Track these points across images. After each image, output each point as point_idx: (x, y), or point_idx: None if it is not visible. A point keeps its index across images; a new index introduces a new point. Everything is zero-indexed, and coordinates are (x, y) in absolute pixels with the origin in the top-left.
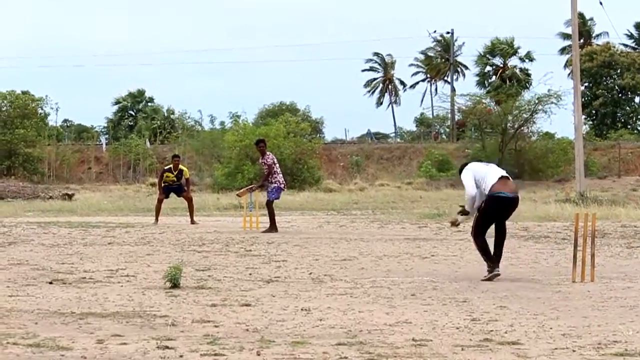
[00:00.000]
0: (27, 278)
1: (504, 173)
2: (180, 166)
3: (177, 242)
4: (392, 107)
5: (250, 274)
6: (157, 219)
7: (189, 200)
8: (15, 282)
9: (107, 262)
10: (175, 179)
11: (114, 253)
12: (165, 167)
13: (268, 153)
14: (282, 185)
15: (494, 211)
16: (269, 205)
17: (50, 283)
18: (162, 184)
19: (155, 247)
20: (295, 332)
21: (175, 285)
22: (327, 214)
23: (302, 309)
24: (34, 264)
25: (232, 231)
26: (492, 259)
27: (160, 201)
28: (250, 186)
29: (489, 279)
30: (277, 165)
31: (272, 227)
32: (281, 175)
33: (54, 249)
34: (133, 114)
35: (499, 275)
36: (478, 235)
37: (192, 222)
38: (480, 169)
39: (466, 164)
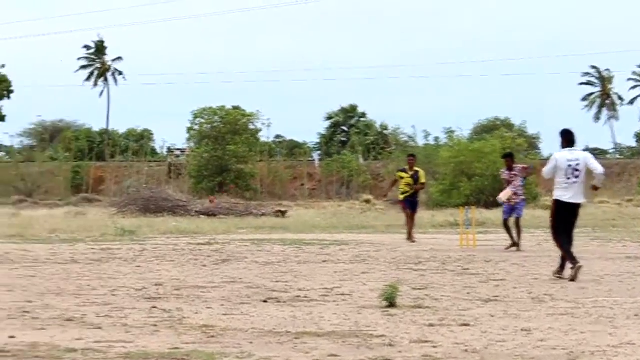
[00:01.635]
0: (241, 296)
1: None
2: (416, 167)
3: (393, 260)
4: (611, 122)
5: (468, 293)
6: (409, 236)
7: (412, 217)
8: (229, 300)
9: (322, 280)
10: (411, 180)
11: (329, 271)
12: (400, 168)
13: (520, 166)
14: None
15: None
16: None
17: (265, 301)
18: (401, 195)
19: (371, 265)
20: (515, 353)
21: (391, 304)
22: (545, 232)
23: (522, 330)
24: (248, 282)
25: (448, 249)
26: None
27: (408, 216)
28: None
29: None
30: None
31: (514, 243)
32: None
33: (267, 266)
34: (346, 129)
35: None
36: None
37: (410, 238)
38: None
39: None
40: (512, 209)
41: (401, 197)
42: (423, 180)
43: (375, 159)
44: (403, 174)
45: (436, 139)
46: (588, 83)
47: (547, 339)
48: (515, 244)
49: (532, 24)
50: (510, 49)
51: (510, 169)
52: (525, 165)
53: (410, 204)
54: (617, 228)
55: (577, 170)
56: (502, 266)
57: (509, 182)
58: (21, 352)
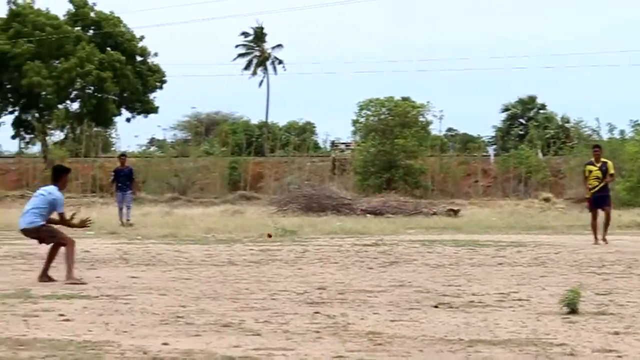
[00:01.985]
0: (410, 301)
1: None
2: (603, 159)
3: (574, 263)
4: None
5: None
6: (596, 238)
7: (607, 214)
8: (397, 305)
9: (498, 285)
10: (599, 173)
11: (505, 275)
12: (586, 162)
13: None
14: None
15: None
16: None
17: (436, 307)
18: (588, 188)
19: (550, 269)
20: None
21: (573, 310)
22: None
23: None
24: (417, 285)
25: (635, 251)
26: None
27: (594, 216)
28: None
29: None
30: None
31: None
32: None
33: (438, 269)
34: (523, 122)
35: None
36: None
37: (603, 239)
38: None
39: None
40: None
41: (589, 194)
42: (612, 171)
43: (555, 154)
44: (591, 167)
45: (622, 132)
46: None
47: None
48: None
49: None
50: None
51: None
52: None
53: (597, 200)
54: None
55: None
56: None
57: None
58: (175, 359)
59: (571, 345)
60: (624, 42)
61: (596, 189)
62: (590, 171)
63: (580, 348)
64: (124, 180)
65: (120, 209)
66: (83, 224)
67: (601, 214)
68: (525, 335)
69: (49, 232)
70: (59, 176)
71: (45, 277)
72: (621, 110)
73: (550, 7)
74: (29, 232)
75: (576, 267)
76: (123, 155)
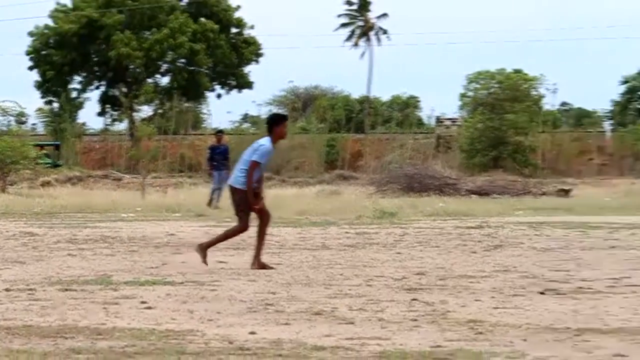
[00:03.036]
0: (514, 287)
1: None
2: None
3: None
4: None
5: None
6: None
7: None
8: (501, 291)
9: (610, 270)
10: None
11: (618, 259)
12: None
13: None
14: None
15: None
16: None
17: (542, 293)
18: None
19: None
20: None
21: None
22: None
23: None
24: (523, 270)
25: None
26: None
27: None
28: None
29: None
30: None
31: None
32: None
33: (546, 253)
34: None
35: None
36: None
37: None
38: None
39: None
40: None
41: None
42: None
43: None
44: None
45: None
46: None
47: None
48: None
49: None
50: None
51: None
52: None
53: None
54: None
55: None
56: None
57: None
58: (263, 349)
59: None
60: None
61: None
62: None
63: None
64: (220, 159)
65: (214, 190)
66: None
67: None
68: (637, 323)
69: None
70: (271, 126)
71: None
72: None
73: None
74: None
75: None
76: (220, 132)
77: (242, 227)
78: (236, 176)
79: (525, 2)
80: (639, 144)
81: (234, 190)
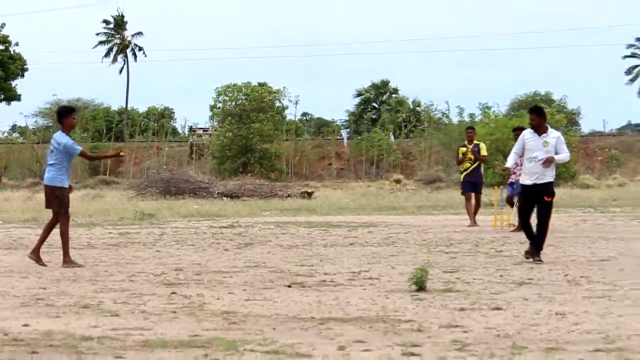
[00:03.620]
0: (264, 281)
1: None
2: (476, 141)
3: (423, 242)
4: None
5: (501, 276)
6: (472, 220)
7: (478, 200)
8: (252, 285)
9: (349, 264)
10: (471, 156)
11: (356, 254)
12: (460, 144)
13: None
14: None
15: None
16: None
17: (289, 286)
18: (463, 179)
19: (400, 248)
20: (549, 338)
21: (421, 288)
22: (584, 212)
23: (556, 313)
24: (272, 266)
25: (481, 230)
26: None
27: (467, 198)
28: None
29: None
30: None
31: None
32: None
33: (292, 250)
34: (376, 106)
35: None
36: None
37: (472, 223)
38: None
39: None
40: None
41: (462, 176)
42: (484, 152)
43: (406, 137)
44: (462, 149)
45: (471, 115)
46: (633, 55)
47: (582, 322)
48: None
49: None
50: (550, 20)
51: None
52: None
53: (469, 185)
54: None
55: None
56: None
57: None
58: (35, 340)
59: (419, 322)
60: (473, 28)
61: (469, 170)
62: (464, 153)
63: (427, 324)
64: None
65: None
66: (117, 154)
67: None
68: (375, 312)
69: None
70: (61, 119)
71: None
72: (471, 94)
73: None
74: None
75: (425, 246)
76: None
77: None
78: (53, 176)
79: (270, 19)
80: (373, 151)
81: (52, 189)
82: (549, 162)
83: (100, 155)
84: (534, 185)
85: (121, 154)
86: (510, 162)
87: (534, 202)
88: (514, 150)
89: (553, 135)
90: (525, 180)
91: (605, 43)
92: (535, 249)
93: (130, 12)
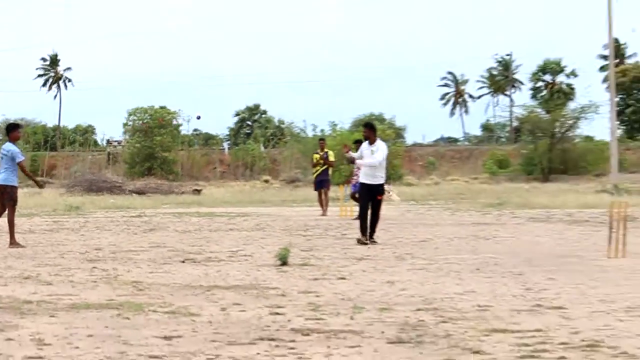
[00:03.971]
0: (164, 258)
1: None
2: (326, 149)
3: (286, 228)
4: (462, 116)
5: (345, 253)
6: (323, 211)
7: (326, 194)
8: (154, 261)
9: (229, 245)
10: (322, 160)
11: (234, 237)
12: (315, 151)
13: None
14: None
15: None
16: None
17: (183, 262)
18: (315, 178)
19: (268, 232)
20: (382, 300)
21: (284, 263)
22: (408, 204)
23: (387, 282)
24: (170, 246)
25: (330, 219)
26: None
27: (319, 194)
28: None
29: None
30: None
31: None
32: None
33: (185, 234)
34: (250, 124)
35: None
36: None
37: (323, 213)
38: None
39: None
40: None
41: (314, 176)
42: (332, 158)
43: (273, 147)
44: (316, 155)
45: (322, 130)
46: (445, 85)
47: (407, 288)
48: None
49: (399, 35)
50: (385, 57)
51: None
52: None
53: (320, 183)
54: (465, 200)
55: None
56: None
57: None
58: None
59: (282, 289)
60: (326, 62)
61: (319, 172)
62: (315, 158)
63: (289, 290)
64: None
65: None
66: (40, 185)
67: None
68: (249, 281)
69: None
70: (9, 133)
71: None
72: (323, 115)
73: (278, 40)
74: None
75: (287, 231)
76: None
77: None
78: (6, 177)
79: (169, 56)
80: (247, 158)
81: (5, 187)
82: (361, 165)
83: (31, 175)
84: (370, 184)
85: (44, 187)
86: (356, 155)
87: (370, 197)
88: (356, 156)
89: (378, 146)
90: (363, 179)
91: (424, 75)
92: (370, 233)
93: (62, 52)
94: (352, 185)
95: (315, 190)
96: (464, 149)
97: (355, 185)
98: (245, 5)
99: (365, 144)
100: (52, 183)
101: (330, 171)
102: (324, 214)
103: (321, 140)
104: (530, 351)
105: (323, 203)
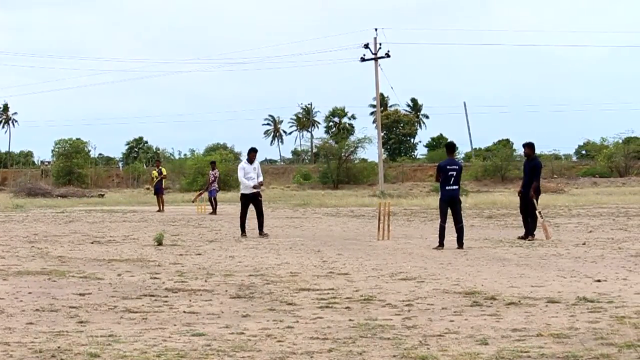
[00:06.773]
0: (80, 240)
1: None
2: (161, 167)
3: (161, 220)
4: (279, 144)
5: (201, 237)
6: (160, 208)
7: (161, 195)
8: (73, 242)
9: (123, 232)
10: (157, 175)
11: (126, 226)
12: (153, 169)
13: (216, 170)
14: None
15: None
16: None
17: (92, 243)
18: (153, 183)
19: (150, 223)
20: (226, 269)
21: (160, 243)
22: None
23: (229, 256)
24: (83, 232)
25: (190, 214)
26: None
27: (157, 197)
28: (199, 192)
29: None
30: (217, 177)
31: (214, 212)
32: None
33: (94, 224)
34: (137, 150)
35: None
36: None
37: (161, 210)
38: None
39: None
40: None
41: (152, 188)
42: (165, 172)
43: (152, 166)
44: (154, 172)
45: (185, 155)
46: (267, 124)
47: (242, 261)
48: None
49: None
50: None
51: (213, 169)
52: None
53: (156, 190)
54: (281, 201)
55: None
56: (220, 223)
57: (215, 178)
58: None
59: (159, 261)
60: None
61: (157, 181)
62: (153, 173)
63: (163, 262)
64: None
65: None
66: None
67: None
68: (136, 256)
69: None
70: None
71: None
72: (186, 143)
73: (157, 85)
74: None
75: (162, 222)
76: None
77: None
78: None
79: (88, 100)
80: (136, 173)
81: None
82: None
83: None
84: (252, 193)
85: None
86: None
87: (250, 203)
88: (239, 168)
89: (257, 164)
90: (245, 191)
91: (253, 117)
92: (259, 229)
93: (11, 101)
94: (212, 191)
95: (155, 194)
96: (280, 166)
97: (212, 191)
98: None
99: (245, 162)
100: (3, 189)
101: (163, 182)
102: (160, 210)
103: (157, 161)
104: (326, 303)
105: (160, 203)
